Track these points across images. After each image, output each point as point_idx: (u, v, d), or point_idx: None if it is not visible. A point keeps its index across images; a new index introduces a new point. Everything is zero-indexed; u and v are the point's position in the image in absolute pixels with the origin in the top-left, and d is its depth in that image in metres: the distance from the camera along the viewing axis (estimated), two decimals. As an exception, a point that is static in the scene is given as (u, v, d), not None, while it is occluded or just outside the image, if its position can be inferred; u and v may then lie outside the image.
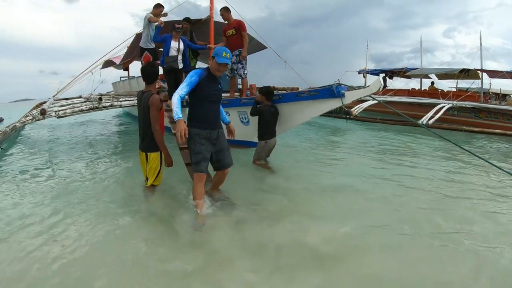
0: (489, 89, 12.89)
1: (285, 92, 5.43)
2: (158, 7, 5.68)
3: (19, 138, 8.36)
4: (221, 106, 3.07)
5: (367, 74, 16.31)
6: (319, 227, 2.63)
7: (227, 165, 2.96)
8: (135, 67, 12.20)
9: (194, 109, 2.81)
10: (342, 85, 3.86)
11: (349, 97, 3.82)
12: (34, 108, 11.04)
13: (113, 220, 2.76)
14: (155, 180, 3.22)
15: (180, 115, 2.54)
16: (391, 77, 15.24)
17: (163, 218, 2.84)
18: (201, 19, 6.81)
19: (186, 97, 2.82)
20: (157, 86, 3.38)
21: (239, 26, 5.29)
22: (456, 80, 13.66)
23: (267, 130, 4.32)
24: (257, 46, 7.36)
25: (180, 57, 5.43)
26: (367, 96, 4.13)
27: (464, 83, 14.31)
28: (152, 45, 5.84)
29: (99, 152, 5.91)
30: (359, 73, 16.53)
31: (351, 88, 3.96)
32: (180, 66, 5.48)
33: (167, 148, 3.10)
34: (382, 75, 15.46)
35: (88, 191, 3.56)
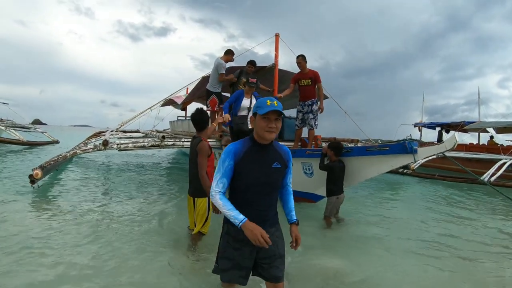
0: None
1: (354, 145, 5.07)
2: (230, 53, 5.77)
3: (74, 159, 8.75)
4: (288, 190, 1.94)
5: (423, 127, 15.49)
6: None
7: (274, 278, 1.80)
8: (193, 107, 12.82)
9: (232, 195, 1.81)
10: (414, 141, 3.70)
11: (422, 153, 3.70)
12: (92, 136, 11.82)
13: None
14: (202, 227, 3.07)
15: (241, 216, 1.63)
16: (447, 131, 14.46)
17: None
18: (265, 66, 6.88)
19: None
20: (218, 130, 3.43)
21: (315, 78, 5.27)
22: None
23: (337, 185, 4.21)
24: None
25: (250, 114, 5.04)
26: (441, 153, 3.81)
27: None
28: (219, 89, 5.89)
29: (150, 189, 5.91)
30: (415, 126, 15.82)
31: (421, 143, 3.63)
32: (250, 126, 5.10)
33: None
34: (438, 128, 14.72)
35: (132, 232, 3.49)
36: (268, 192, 1.76)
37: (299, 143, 5.81)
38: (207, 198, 2.99)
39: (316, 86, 5.31)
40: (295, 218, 1.89)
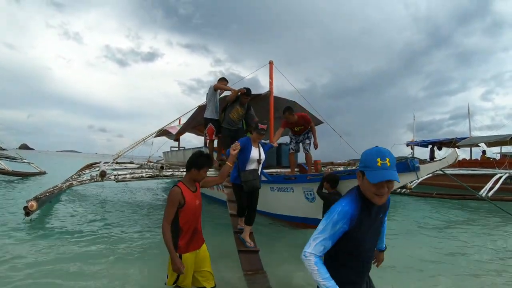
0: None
1: (355, 168, 5.15)
2: (224, 80, 5.98)
3: (68, 190, 8.55)
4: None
5: (415, 146, 15.82)
6: None
7: None
8: (185, 137, 12.82)
9: (332, 264, 1.55)
10: (416, 159, 3.72)
11: (425, 170, 3.66)
12: (85, 168, 11.63)
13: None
14: (168, 279, 2.43)
15: None
16: (439, 148, 14.68)
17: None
18: (260, 94, 7.00)
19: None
20: (217, 159, 3.03)
21: (305, 122, 5.51)
22: (500, 147, 13.48)
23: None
24: (314, 121, 7.34)
25: (260, 168, 3.96)
26: (442, 169, 3.83)
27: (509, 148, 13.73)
28: (217, 116, 5.97)
29: (145, 222, 5.82)
30: (407, 145, 16.10)
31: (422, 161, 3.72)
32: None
33: (174, 252, 2.27)
34: (430, 146, 14.98)
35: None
36: (371, 251, 1.66)
37: (297, 169, 5.86)
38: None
39: (310, 128, 5.58)
40: (383, 246, 2.07)
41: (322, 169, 6.10)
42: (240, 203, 3.97)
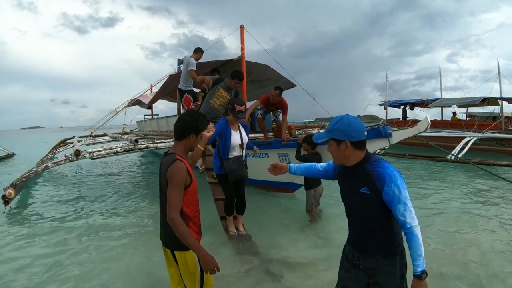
0: (500, 113, 12.88)
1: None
2: (199, 51, 5.67)
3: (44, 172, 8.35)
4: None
5: (388, 107, 16.29)
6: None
7: None
8: (159, 105, 12.47)
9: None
10: (388, 125, 3.83)
11: (397, 137, 3.77)
12: (59, 145, 11.22)
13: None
14: None
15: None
16: (411, 108, 15.32)
17: None
18: (232, 59, 6.86)
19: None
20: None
21: (283, 109, 5.21)
22: (466, 108, 14.26)
23: (314, 179, 4.19)
24: (286, 85, 7.40)
25: (244, 153, 3.51)
26: (415, 135, 3.98)
27: (477, 109, 14.82)
28: (191, 86, 5.84)
29: (126, 198, 5.85)
30: (380, 105, 16.51)
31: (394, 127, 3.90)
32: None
33: (198, 244, 1.70)
34: (402, 107, 15.55)
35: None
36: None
37: (271, 134, 5.92)
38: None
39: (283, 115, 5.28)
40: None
41: (296, 133, 6.29)
42: (228, 195, 3.50)
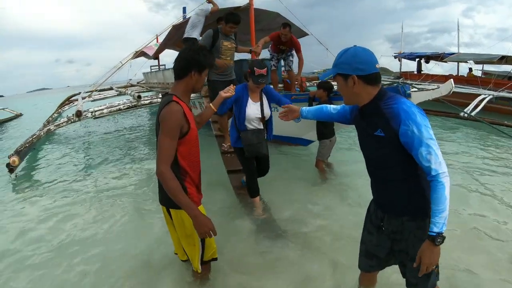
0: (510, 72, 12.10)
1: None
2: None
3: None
4: None
5: (402, 59, 15.45)
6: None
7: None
8: (166, 55, 11.93)
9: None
10: (407, 85, 3.75)
11: (416, 98, 3.58)
12: (65, 102, 10.91)
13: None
14: (202, 255, 1.75)
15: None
16: (427, 62, 14.49)
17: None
18: (239, 7, 6.25)
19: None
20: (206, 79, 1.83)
21: (296, 48, 4.93)
22: (482, 65, 13.31)
23: (328, 128, 4.03)
24: (298, 33, 6.83)
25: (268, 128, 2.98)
26: (436, 98, 3.80)
27: (492, 67, 13.59)
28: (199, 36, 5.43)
29: (134, 155, 5.65)
30: (395, 57, 15.69)
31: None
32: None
33: (193, 205, 1.50)
34: (417, 59, 14.75)
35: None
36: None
37: (281, 85, 5.62)
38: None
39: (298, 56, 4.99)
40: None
41: (308, 87, 5.89)
42: (249, 172, 2.96)
